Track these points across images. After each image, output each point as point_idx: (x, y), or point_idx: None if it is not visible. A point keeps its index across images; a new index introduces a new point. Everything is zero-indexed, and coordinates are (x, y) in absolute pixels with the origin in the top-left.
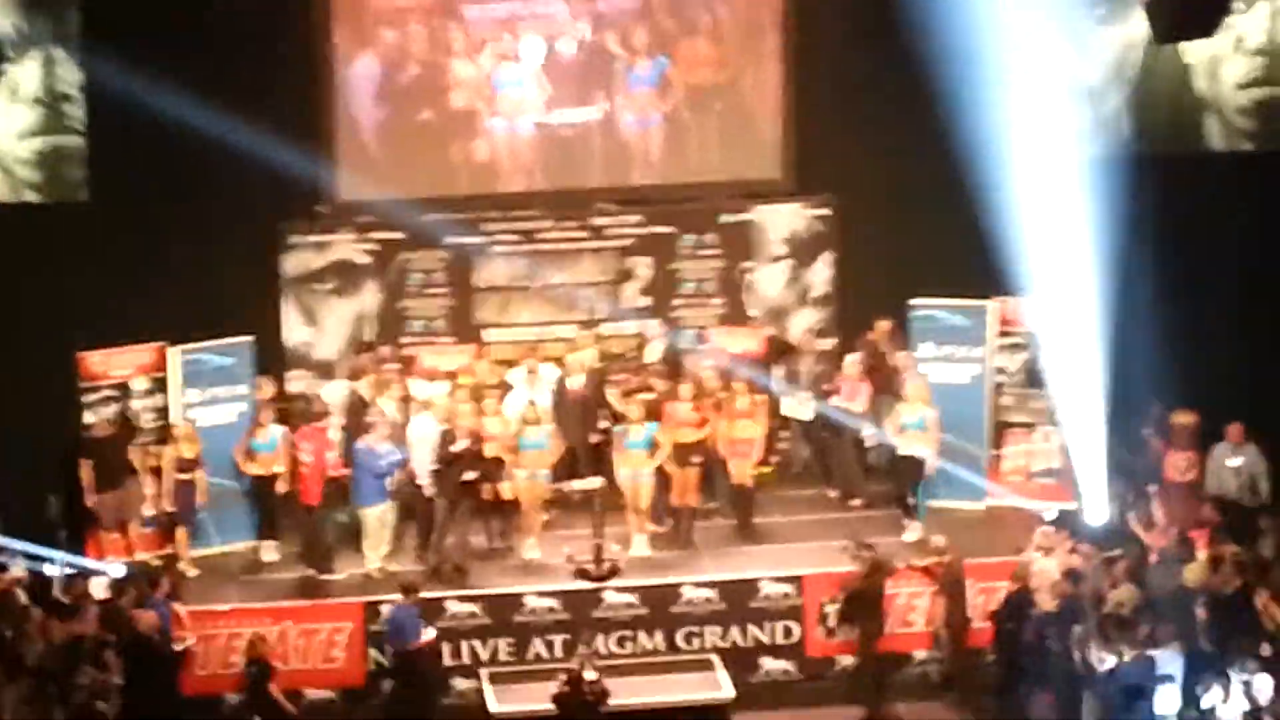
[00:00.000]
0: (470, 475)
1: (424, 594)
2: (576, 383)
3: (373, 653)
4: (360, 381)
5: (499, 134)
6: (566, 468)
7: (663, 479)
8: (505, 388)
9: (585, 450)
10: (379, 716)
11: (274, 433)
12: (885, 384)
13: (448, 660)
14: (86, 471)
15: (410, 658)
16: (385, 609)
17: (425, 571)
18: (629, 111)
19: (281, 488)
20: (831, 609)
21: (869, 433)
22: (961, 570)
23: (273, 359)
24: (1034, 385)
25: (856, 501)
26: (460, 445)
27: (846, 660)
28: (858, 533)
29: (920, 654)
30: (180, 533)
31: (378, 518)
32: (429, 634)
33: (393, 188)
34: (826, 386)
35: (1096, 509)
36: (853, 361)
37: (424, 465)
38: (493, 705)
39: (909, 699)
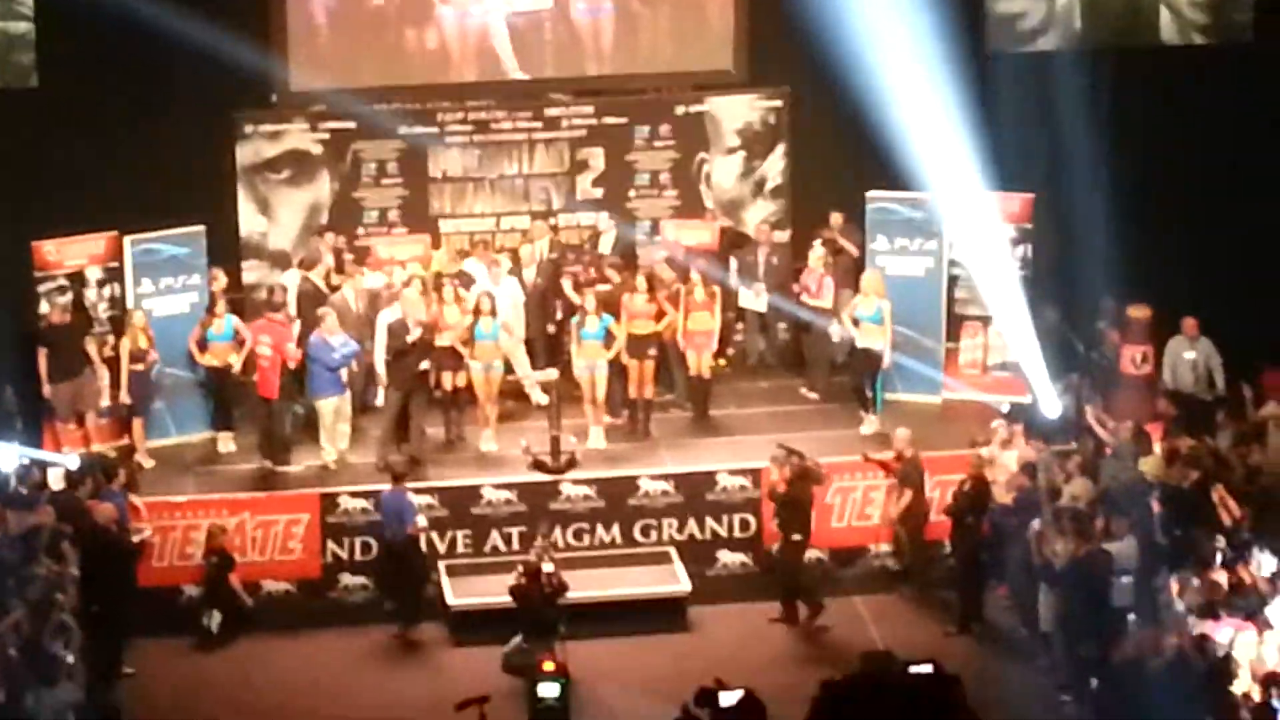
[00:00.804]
0: (424, 365)
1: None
2: (530, 274)
3: (331, 545)
4: (314, 270)
5: (450, 22)
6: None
7: (619, 371)
8: (462, 278)
9: (541, 342)
10: (334, 607)
11: (228, 323)
12: (843, 277)
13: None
14: (42, 361)
15: (404, 545)
16: (380, 496)
17: (378, 463)
18: (581, 0)
19: (237, 378)
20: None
21: (831, 328)
22: (920, 464)
23: (227, 249)
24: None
25: (813, 394)
26: (413, 335)
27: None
28: (786, 441)
29: (877, 548)
30: (136, 424)
31: (333, 409)
32: (420, 521)
33: (345, 77)
34: (794, 285)
35: (1051, 402)
36: (818, 256)
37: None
38: (450, 598)
39: (865, 592)
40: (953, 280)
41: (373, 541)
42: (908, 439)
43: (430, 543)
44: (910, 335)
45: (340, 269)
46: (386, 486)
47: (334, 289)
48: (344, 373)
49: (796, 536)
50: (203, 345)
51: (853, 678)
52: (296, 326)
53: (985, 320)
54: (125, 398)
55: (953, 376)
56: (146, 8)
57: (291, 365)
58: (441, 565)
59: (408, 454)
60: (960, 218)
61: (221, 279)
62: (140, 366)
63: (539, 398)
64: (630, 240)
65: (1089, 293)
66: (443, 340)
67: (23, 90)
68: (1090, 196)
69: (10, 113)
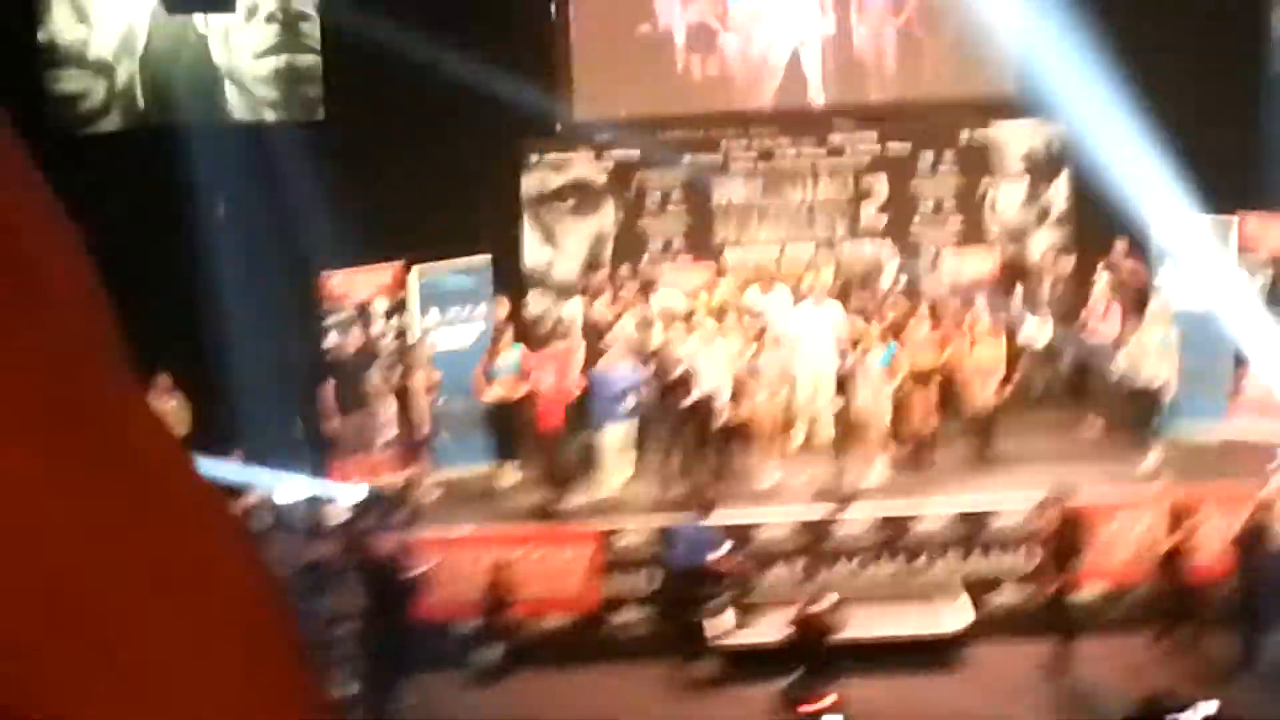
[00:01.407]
0: (689, 400)
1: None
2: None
3: (611, 579)
4: (598, 300)
5: (733, 49)
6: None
7: (901, 404)
8: (747, 308)
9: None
10: (612, 642)
11: (513, 355)
12: (1129, 305)
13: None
14: (329, 394)
15: (700, 578)
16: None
17: (656, 499)
18: (863, 26)
19: (521, 410)
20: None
21: (1118, 358)
22: (1188, 506)
23: (511, 279)
24: (1275, 306)
25: (1096, 428)
26: (679, 370)
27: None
28: (1059, 485)
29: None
30: (420, 456)
31: (618, 440)
32: (724, 550)
33: (629, 107)
34: (1080, 314)
35: None
36: (1103, 284)
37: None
38: (727, 634)
39: (1145, 629)
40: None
41: (654, 575)
42: (1173, 483)
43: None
44: (1195, 365)
45: (624, 299)
46: (667, 518)
47: (618, 318)
48: (628, 402)
49: (1063, 579)
50: (489, 377)
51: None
52: (580, 356)
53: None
54: (414, 430)
55: (1239, 407)
56: (431, 40)
57: (573, 397)
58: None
59: (698, 486)
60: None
61: (505, 308)
62: (426, 399)
63: (815, 436)
64: (914, 269)
65: None
66: (718, 372)
67: (310, 123)
68: None
69: (297, 145)
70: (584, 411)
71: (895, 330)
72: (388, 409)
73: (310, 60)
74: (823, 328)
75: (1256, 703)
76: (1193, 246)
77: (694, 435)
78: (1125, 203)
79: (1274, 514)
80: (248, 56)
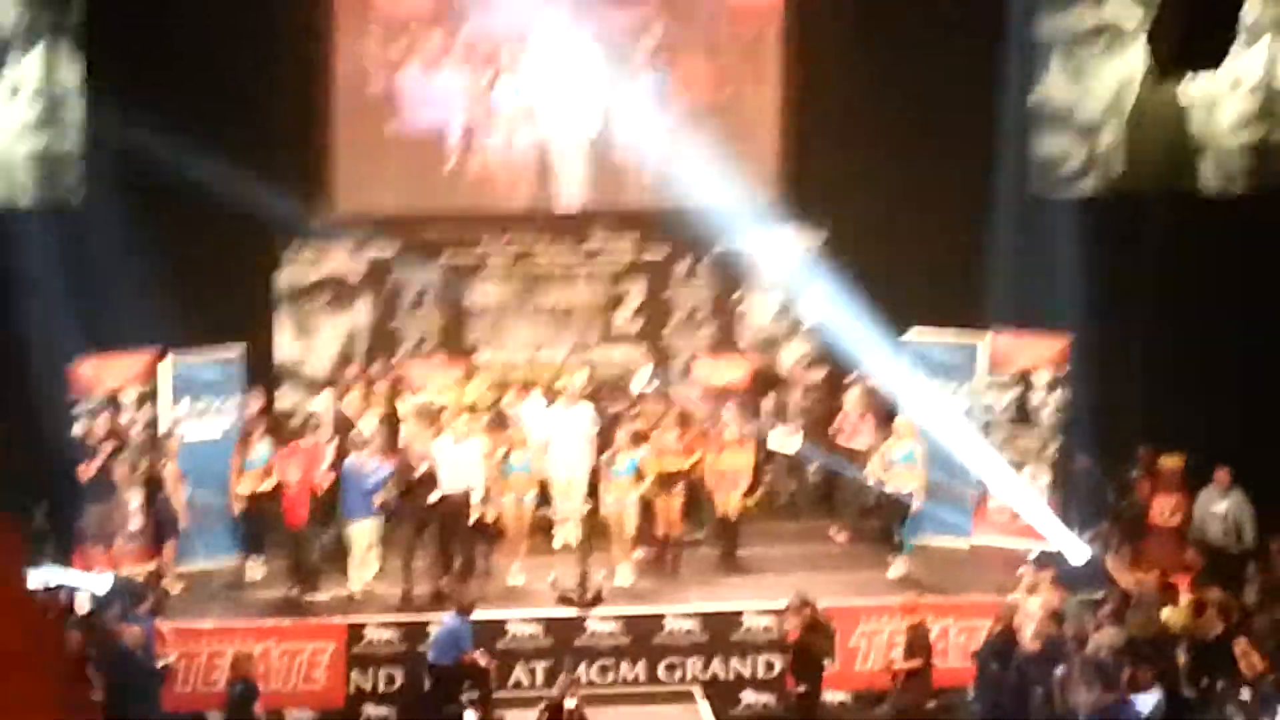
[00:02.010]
0: (434, 498)
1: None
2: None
3: (356, 675)
4: (347, 397)
5: (494, 150)
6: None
7: (648, 508)
8: (495, 410)
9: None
10: None
11: (262, 449)
12: (879, 418)
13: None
14: (75, 483)
15: (453, 673)
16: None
17: (401, 595)
18: (626, 131)
19: (268, 504)
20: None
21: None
22: (927, 632)
23: (263, 373)
24: (1022, 424)
25: (842, 536)
26: (421, 469)
27: (829, 696)
28: (802, 590)
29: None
30: (166, 548)
31: (365, 535)
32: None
33: (387, 204)
34: (830, 426)
35: (1080, 550)
36: (854, 398)
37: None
38: None
39: None
40: (985, 425)
41: (397, 672)
42: (917, 599)
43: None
44: (941, 478)
45: (371, 395)
46: (411, 617)
47: (368, 414)
48: (376, 498)
49: (804, 687)
50: (239, 469)
51: None
52: (330, 451)
53: (1017, 465)
54: (160, 521)
55: (982, 521)
56: (191, 130)
57: (322, 491)
58: (464, 698)
59: (449, 585)
60: (995, 359)
61: (256, 403)
62: (174, 490)
63: (565, 538)
64: (665, 375)
65: (1123, 440)
66: (467, 472)
67: (66, 209)
68: (1127, 342)
69: (53, 232)
70: (333, 506)
71: (644, 436)
72: (134, 499)
73: (70, 145)
74: (574, 431)
75: None
76: (941, 362)
77: (441, 534)
78: (876, 316)
79: (1015, 624)
80: (8, 137)
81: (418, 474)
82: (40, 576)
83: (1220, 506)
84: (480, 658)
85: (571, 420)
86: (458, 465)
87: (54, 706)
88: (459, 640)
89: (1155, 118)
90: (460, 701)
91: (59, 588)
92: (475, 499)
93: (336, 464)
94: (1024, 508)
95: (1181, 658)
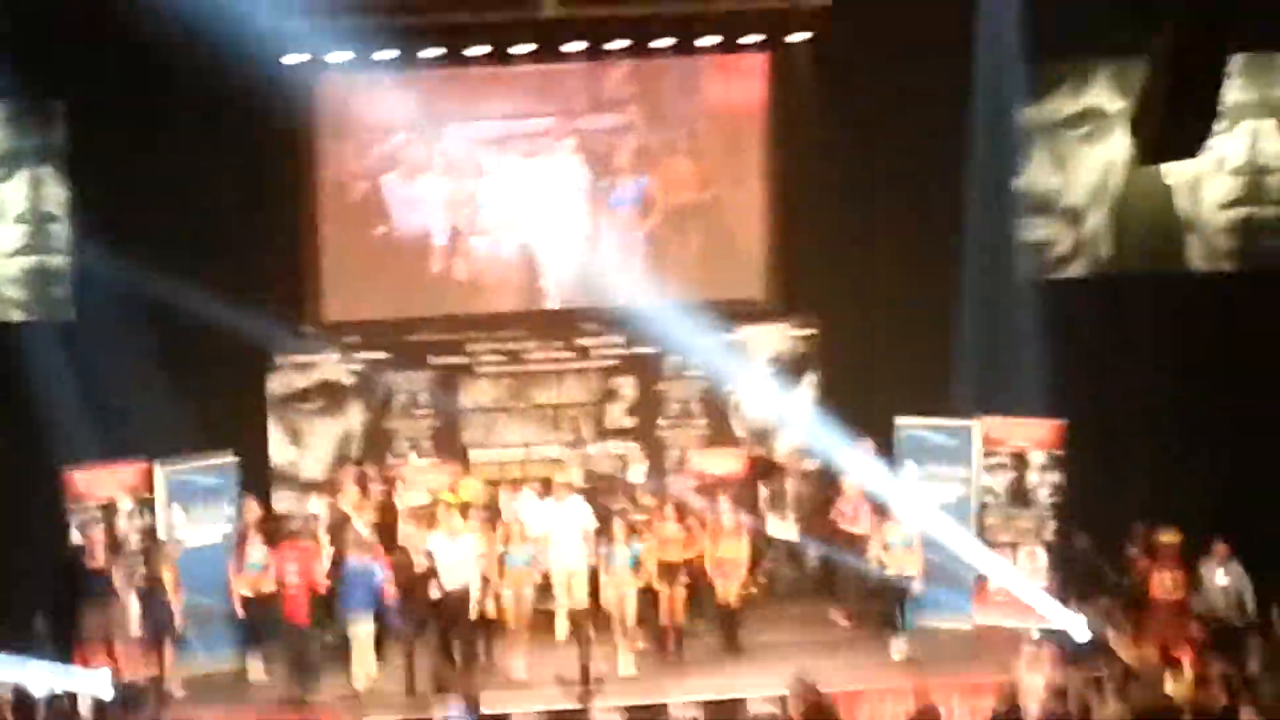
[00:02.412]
0: (436, 594)
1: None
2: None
3: None
4: (342, 499)
5: (482, 253)
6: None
7: (650, 598)
8: (490, 506)
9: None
10: None
11: (260, 552)
12: (876, 504)
13: None
14: (74, 588)
15: None
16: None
17: (405, 691)
18: (611, 231)
19: (268, 607)
20: None
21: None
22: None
23: (258, 478)
24: (1019, 505)
25: (844, 620)
26: (423, 566)
27: None
28: (803, 673)
29: None
30: (167, 652)
31: (367, 633)
32: None
33: (377, 309)
34: (830, 511)
35: (1081, 627)
36: (853, 483)
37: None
38: None
39: None
40: (982, 506)
41: None
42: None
43: None
44: (940, 562)
45: (365, 497)
46: (415, 714)
47: (363, 515)
48: (373, 597)
49: None
50: (237, 573)
51: None
52: (326, 552)
53: (1014, 545)
54: (159, 625)
55: (983, 601)
56: (179, 244)
57: (321, 591)
58: None
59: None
60: (990, 441)
61: (254, 508)
62: (172, 595)
63: (562, 632)
64: (660, 468)
65: (1119, 518)
66: (464, 568)
67: (58, 323)
68: (1121, 421)
69: (45, 344)
70: (331, 606)
71: (641, 528)
72: (133, 604)
73: (59, 261)
74: (570, 525)
75: None
76: (936, 446)
77: (442, 629)
78: (870, 405)
79: (1019, 702)
80: None
81: (417, 571)
82: (42, 682)
83: (1220, 579)
84: None
85: (568, 514)
86: (456, 562)
87: None
88: None
89: (1141, 199)
90: None
91: (60, 694)
92: (474, 593)
93: (335, 564)
94: (1022, 588)
95: None
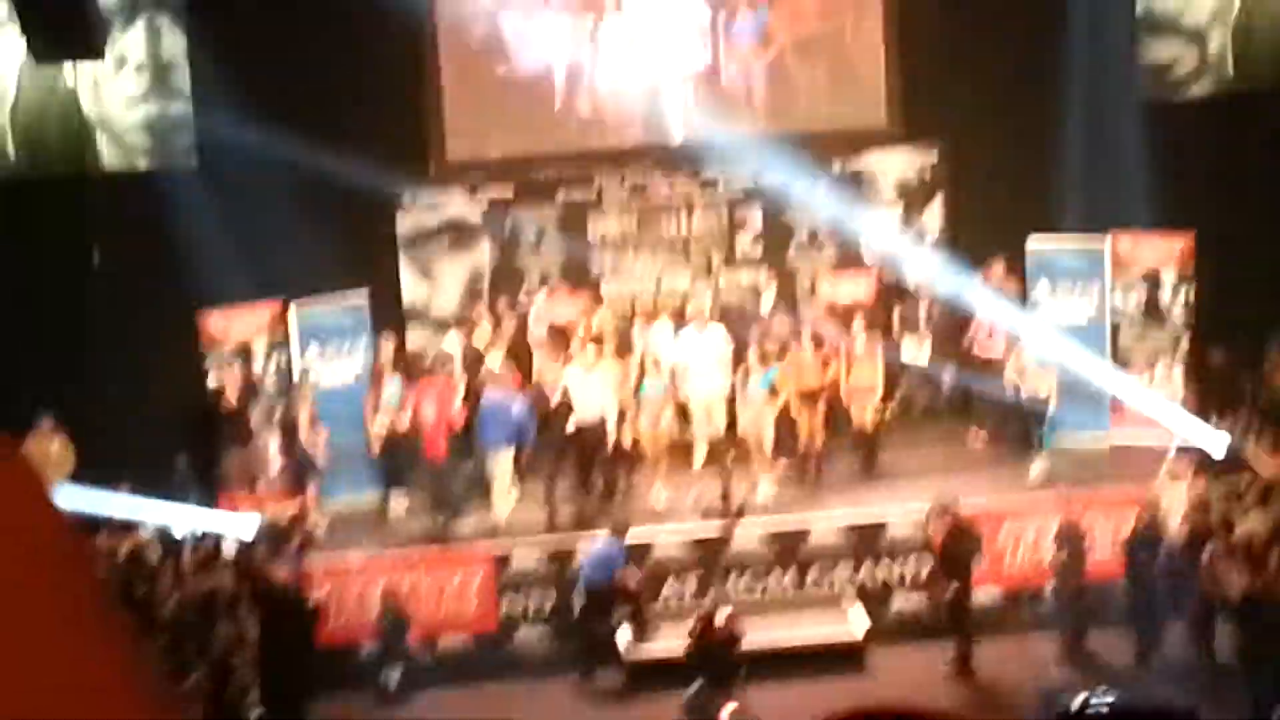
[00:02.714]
0: (572, 427)
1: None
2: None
3: (507, 600)
4: (475, 334)
5: (603, 87)
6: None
7: (787, 425)
8: (621, 337)
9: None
10: (511, 660)
11: (396, 389)
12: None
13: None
14: (215, 431)
15: (607, 593)
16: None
17: (546, 521)
18: (733, 63)
19: (406, 441)
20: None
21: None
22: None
23: (391, 316)
24: (1153, 322)
25: (980, 440)
26: (558, 397)
27: (979, 595)
28: (943, 495)
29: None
30: (310, 488)
31: (506, 466)
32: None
33: (502, 146)
34: (965, 339)
35: (1219, 441)
36: (986, 308)
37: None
38: (627, 648)
39: (1044, 629)
40: (1115, 325)
41: (548, 595)
42: (1060, 491)
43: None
44: (1076, 381)
45: (499, 331)
46: (553, 538)
47: (498, 349)
48: (512, 430)
49: (956, 585)
50: (374, 409)
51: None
52: (461, 387)
53: (1150, 364)
54: (300, 463)
55: (1120, 419)
56: (304, 83)
57: (458, 426)
58: (617, 617)
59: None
60: (1120, 260)
61: (390, 346)
62: (311, 433)
63: (700, 461)
64: (791, 296)
65: (1254, 331)
66: (601, 399)
67: (185, 170)
68: (1250, 237)
69: (174, 193)
70: (469, 440)
71: (776, 354)
72: (273, 443)
73: (181, 108)
74: (705, 354)
75: (1152, 697)
76: (1067, 267)
77: (580, 460)
78: (998, 228)
79: (1161, 515)
80: (119, 106)
81: (553, 404)
82: (185, 523)
83: None
84: (630, 578)
85: (702, 343)
86: (590, 393)
87: (85, 637)
88: (612, 561)
89: (1260, 20)
90: (613, 620)
91: (207, 531)
92: (610, 425)
93: (470, 400)
94: (1159, 405)
95: None
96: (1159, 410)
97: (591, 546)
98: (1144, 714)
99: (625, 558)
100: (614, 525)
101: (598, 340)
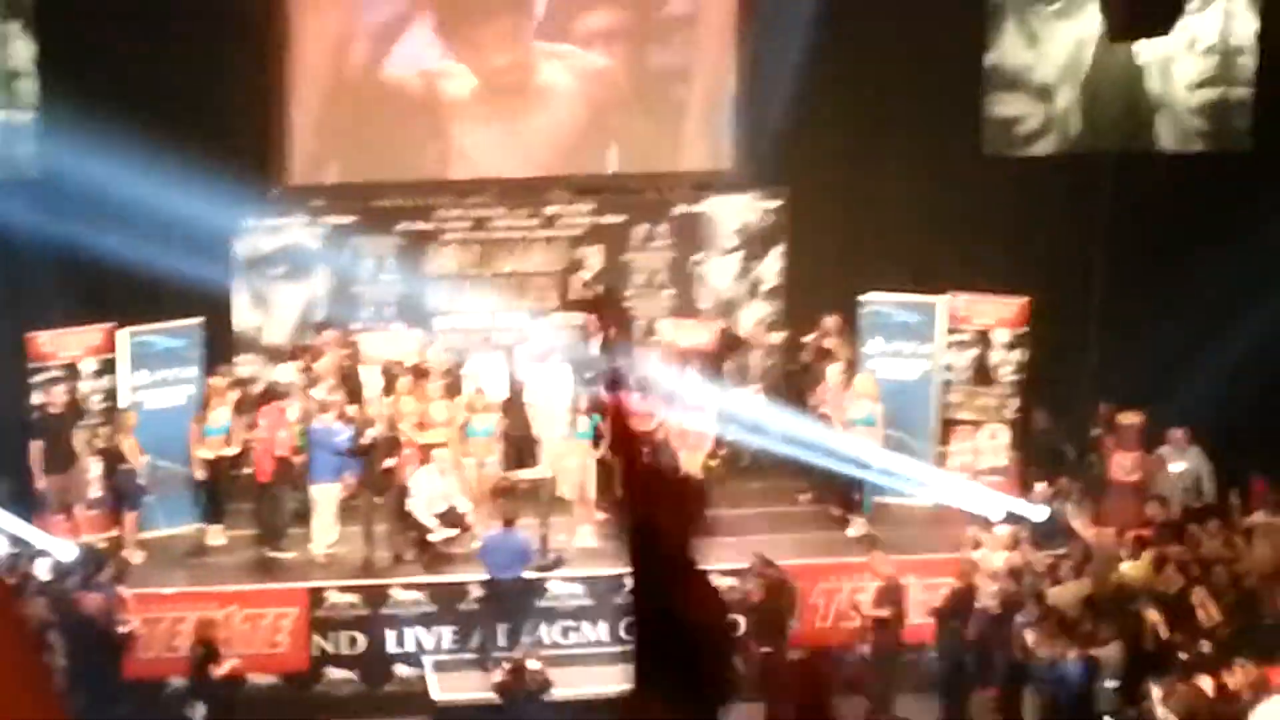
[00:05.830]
0: (390, 462)
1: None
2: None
3: (318, 639)
4: (307, 363)
5: (452, 120)
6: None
7: (611, 470)
8: (451, 374)
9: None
10: (320, 701)
11: (222, 416)
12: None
13: (392, 647)
14: (35, 453)
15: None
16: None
17: (362, 561)
18: (580, 98)
19: (230, 471)
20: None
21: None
22: (899, 587)
23: (221, 342)
24: (982, 383)
25: (804, 496)
26: (372, 434)
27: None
28: (767, 550)
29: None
30: (128, 516)
31: (329, 498)
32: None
33: (345, 173)
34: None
35: (1040, 507)
36: (835, 371)
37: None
38: (435, 693)
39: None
40: (945, 384)
41: (359, 636)
42: (885, 559)
43: (417, 639)
44: (901, 438)
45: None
46: (371, 581)
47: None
48: (338, 462)
49: (767, 648)
50: (200, 437)
51: None
52: (290, 417)
53: (976, 424)
54: (120, 490)
55: (942, 482)
56: (149, 101)
57: (284, 457)
58: (427, 660)
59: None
60: (955, 318)
61: (219, 373)
62: (133, 459)
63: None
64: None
65: (1082, 398)
66: (428, 437)
67: (23, 181)
68: (1085, 301)
69: (9, 203)
70: (296, 471)
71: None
72: (94, 468)
73: (25, 117)
74: (548, 392)
75: None
76: (901, 323)
77: (398, 497)
78: (836, 279)
79: (975, 581)
80: None
81: (380, 438)
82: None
83: (1179, 465)
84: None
85: (546, 382)
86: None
87: (11, 675)
88: (521, 552)
89: (1111, 78)
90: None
91: (19, 555)
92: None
93: (297, 430)
94: (982, 468)
95: (1149, 612)
96: (982, 475)
97: (488, 541)
98: None
99: (531, 551)
100: (505, 516)
101: (427, 375)
